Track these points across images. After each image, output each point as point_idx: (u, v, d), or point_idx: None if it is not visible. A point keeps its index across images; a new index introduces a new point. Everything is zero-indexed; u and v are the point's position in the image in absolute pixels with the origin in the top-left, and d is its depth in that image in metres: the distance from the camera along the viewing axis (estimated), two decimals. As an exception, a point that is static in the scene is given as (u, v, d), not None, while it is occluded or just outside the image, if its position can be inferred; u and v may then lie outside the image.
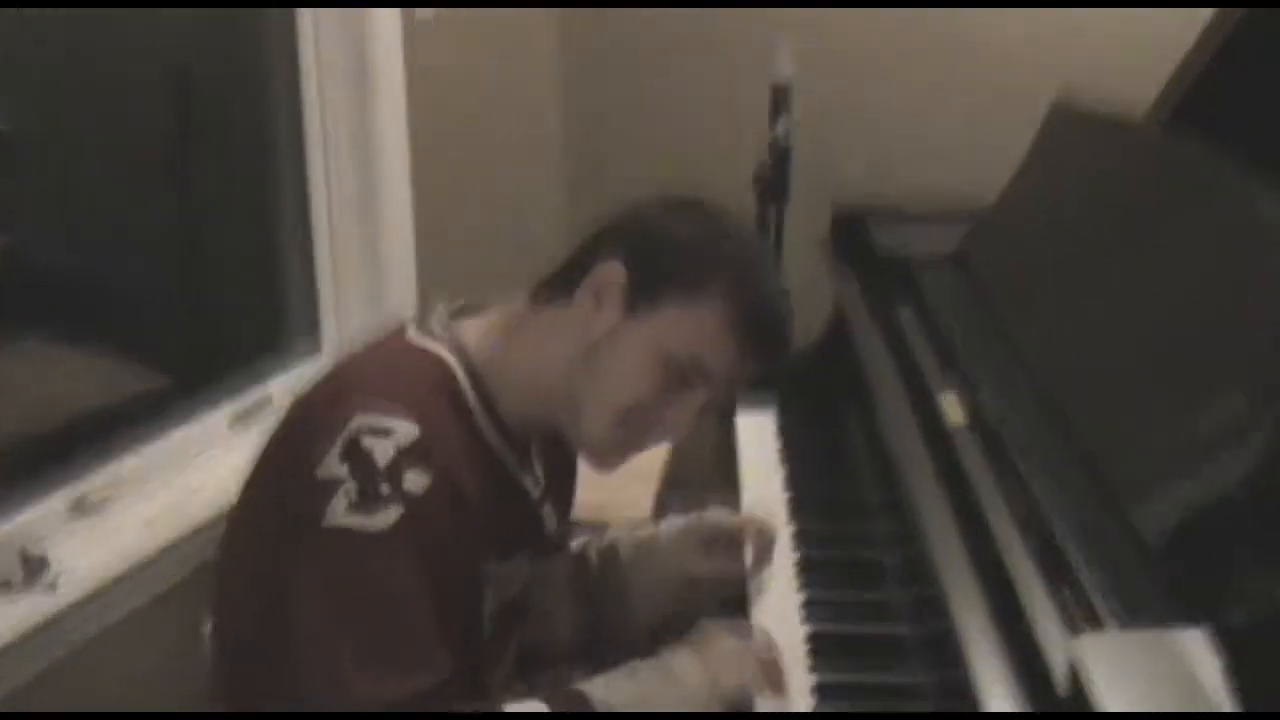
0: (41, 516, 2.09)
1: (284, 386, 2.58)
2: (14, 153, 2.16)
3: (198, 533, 2.15)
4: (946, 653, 1.37)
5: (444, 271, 2.79)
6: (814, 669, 1.61)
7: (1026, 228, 2.06)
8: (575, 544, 1.88)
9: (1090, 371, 1.64)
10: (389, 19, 2.60)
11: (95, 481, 2.19)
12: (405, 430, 1.37)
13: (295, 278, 2.73)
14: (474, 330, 1.56)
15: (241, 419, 2.50)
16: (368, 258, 2.71)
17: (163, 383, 2.46)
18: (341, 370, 1.54)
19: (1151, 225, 1.69)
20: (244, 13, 2.53)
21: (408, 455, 1.36)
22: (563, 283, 1.55)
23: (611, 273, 1.50)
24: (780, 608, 1.74)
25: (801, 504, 2.01)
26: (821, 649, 1.65)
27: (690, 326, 1.48)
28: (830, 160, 3.06)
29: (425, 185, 2.74)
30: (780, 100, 2.76)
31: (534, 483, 1.64)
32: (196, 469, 2.37)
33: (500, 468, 1.56)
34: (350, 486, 1.34)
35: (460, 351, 1.53)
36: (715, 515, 1.85)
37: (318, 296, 2.72)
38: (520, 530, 1.62)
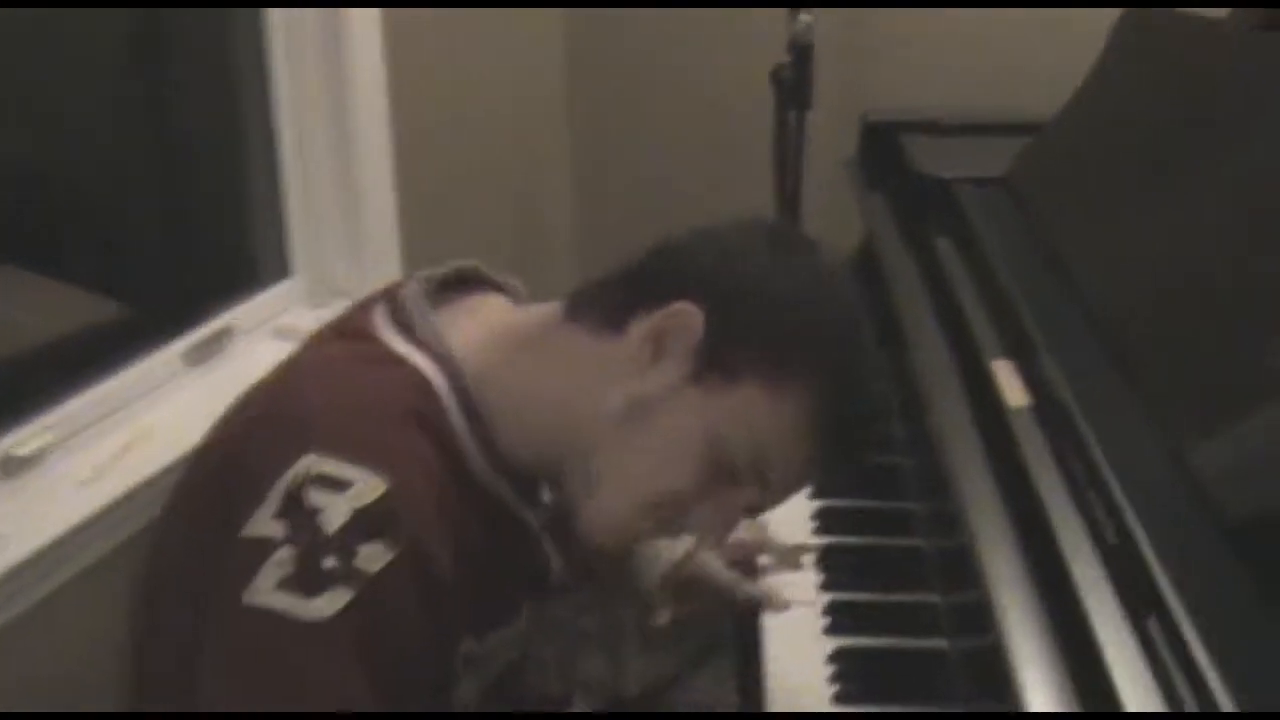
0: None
1: (247, 316, 2.36)
2: None
3: (149, 485, 1.90)
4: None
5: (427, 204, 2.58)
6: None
7: (1091, 148, 1.81)
8: None
9: (1162, 313, 1.43)
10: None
11: (27, 433, 1.94)
12: (367, 484, 1.07)
13: (261, 197, 2.51)
14: (468, 329, 1.24)
15: (197, 353, 2.25)
16: (341, 180, 2.45)
17: (113, 312, 2.28)
18: (286, 386, 1.22)
19: (1245, 140, 1.43)
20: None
21: (367, 520, 1.06)
22: (615, 306, 1.22)
23: (685, 317, 1.17)
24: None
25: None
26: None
27: (764, 413, 1.16)
28: (859, 63, 2.80)
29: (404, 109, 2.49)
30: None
31: (539, 514, 1.34)
32: (145, 411, 2.12)
33: (498, 510, 1.26)
34: (285, 554, 1.05)
35: (446, 361, 1.20)
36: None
37: (285, 218, 2.48)
38: (520, 581, 1.35)
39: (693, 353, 1.17)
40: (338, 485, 1.06)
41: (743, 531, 1.57)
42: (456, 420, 1.18)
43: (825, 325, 1.19)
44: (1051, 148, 1.89)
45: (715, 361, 1.16)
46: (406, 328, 1.21)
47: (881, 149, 2.11)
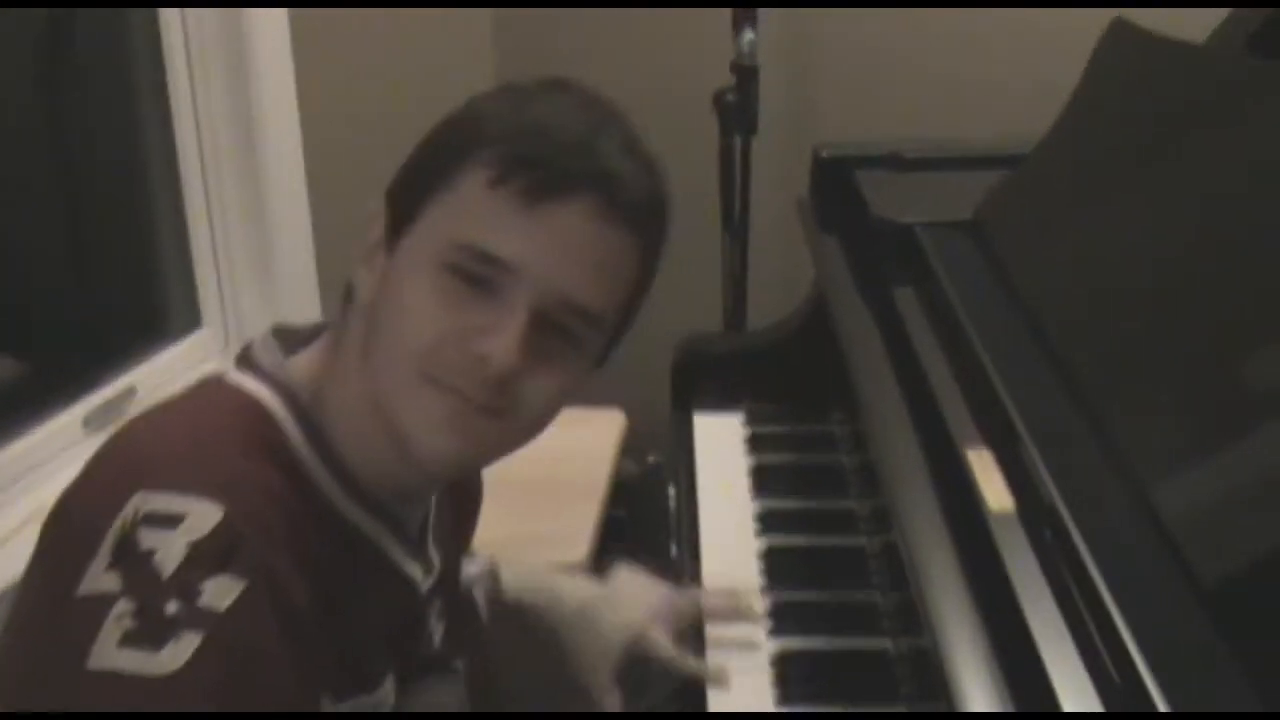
0: None
1: (155, 373, 2.20)
2: None
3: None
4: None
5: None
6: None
7: (1069, 189, 1.64)
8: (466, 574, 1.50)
9: (1147, 372, 1.30)
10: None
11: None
12: (201, 514, 0.98)
13: (167, 240, 2.34)
14: (306, 360, 1.17)
15: (101, 417, 2.07)
16: (252, 217, 2.28)
17: (8, 371, 2.12)
18: (122, 434, 1.12)
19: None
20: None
21: (206, 553, 0.97)
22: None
23: (373, 220, 1.13)
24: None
25: (770, 522, 1.73)
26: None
27: (454, 212, 1.08)
28: (807, 88, 2.63)
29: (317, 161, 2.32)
30: (743, 11, 2.37)
31: (424, 570, 1.23)
32: (43, 482, 1.95)
33: (362, 545, 1.15)
34: (124, 607, 0.95)
35: (283, 388, 1.13)
36: (682, 600, 1.52)
37: (193, 262, 2.32)
38: (389, 642, 1.20)
39: (386, 236, 1.12)
40: (169, 521, 0.98)
41: (689, 603, 1.53)
42: (298, 443, 1.11)
43: (476, 112, 1.13)
44: (1024, 187, 1.72)
45: (403, 222, 1.10)
46: (251, 365, 1.15)
47: (834, 186, 1.93)
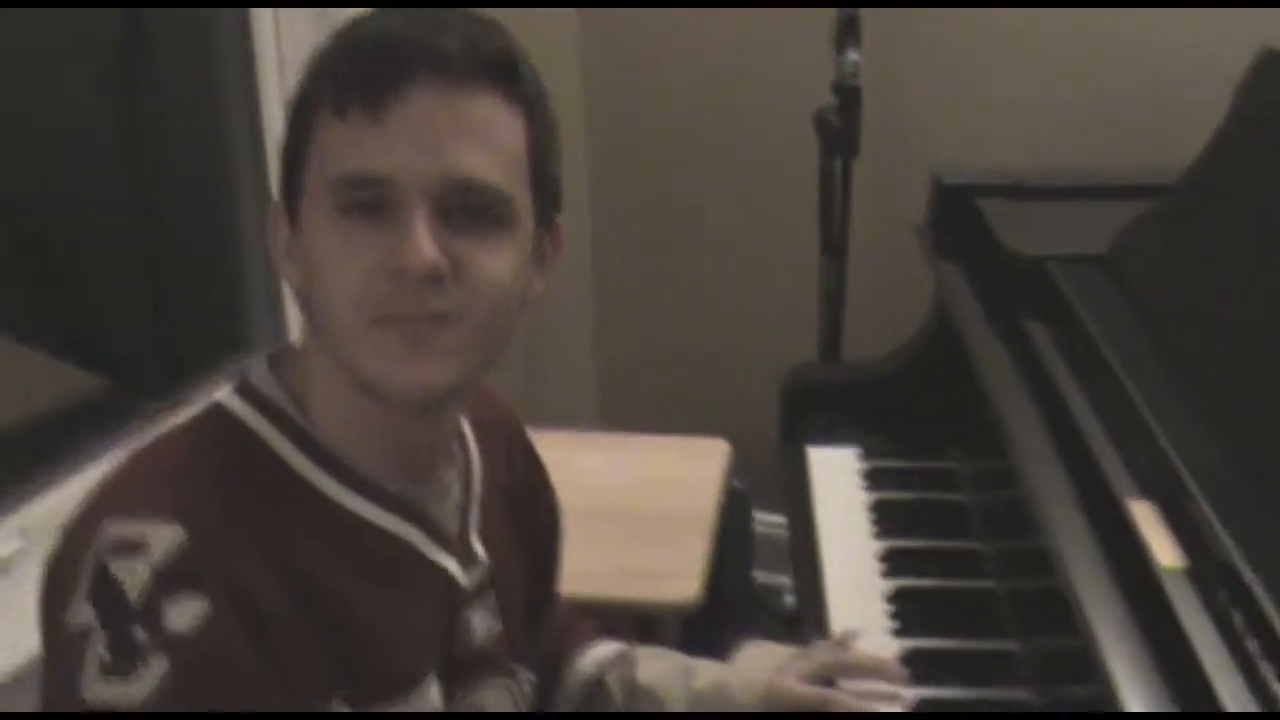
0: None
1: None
2: None
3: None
4: None
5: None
6: None
7: (1218, 226, 1.57)
8: (585, 663, 1.46)
9: None
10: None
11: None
12: (162, 538, 0.99)
13: (253, 266, 2.33)
14: (300, 373, 1.15)
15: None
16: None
17: (91, 386, 2.09)
18: (113, 465, 1.12)
19: None
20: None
21: (169, 576, 0.98)
22: None
23: (275, 217, 1.12)
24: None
25: (896, 563, 1.68)
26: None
27: (321, 157, 1.05)
28: (911, 110, 2.57)
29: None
30: (847, 25, 2.30)
31: (464, 564, 1.20)
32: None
33: (380, 542, 1.13)
34: (100, 637, 0.97)
35: (269, 404, 1.12)
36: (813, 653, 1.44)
37: (278, 285, 2.28)
38: (422, 642, 1.17)
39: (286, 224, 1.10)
40: (134, 549, 0.99)
41: (822, 653, 1.45)
42: (288, 453, 1.10)
43: (321, 54, 1.09)
44: (1166, 223, 1.66)
45: (291, 198, 1.09)
46: (242, 388, 1.13)
47: (955, 214, 1.88)
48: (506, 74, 1.06)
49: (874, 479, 1.84)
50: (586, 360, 3.10)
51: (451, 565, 1.18)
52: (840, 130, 2.30)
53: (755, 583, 2.63)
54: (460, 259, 1.03)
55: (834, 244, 2.34)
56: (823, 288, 2.36)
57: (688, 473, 2.09)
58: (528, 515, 1.34)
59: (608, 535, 1.89)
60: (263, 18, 2.18)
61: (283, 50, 2.19)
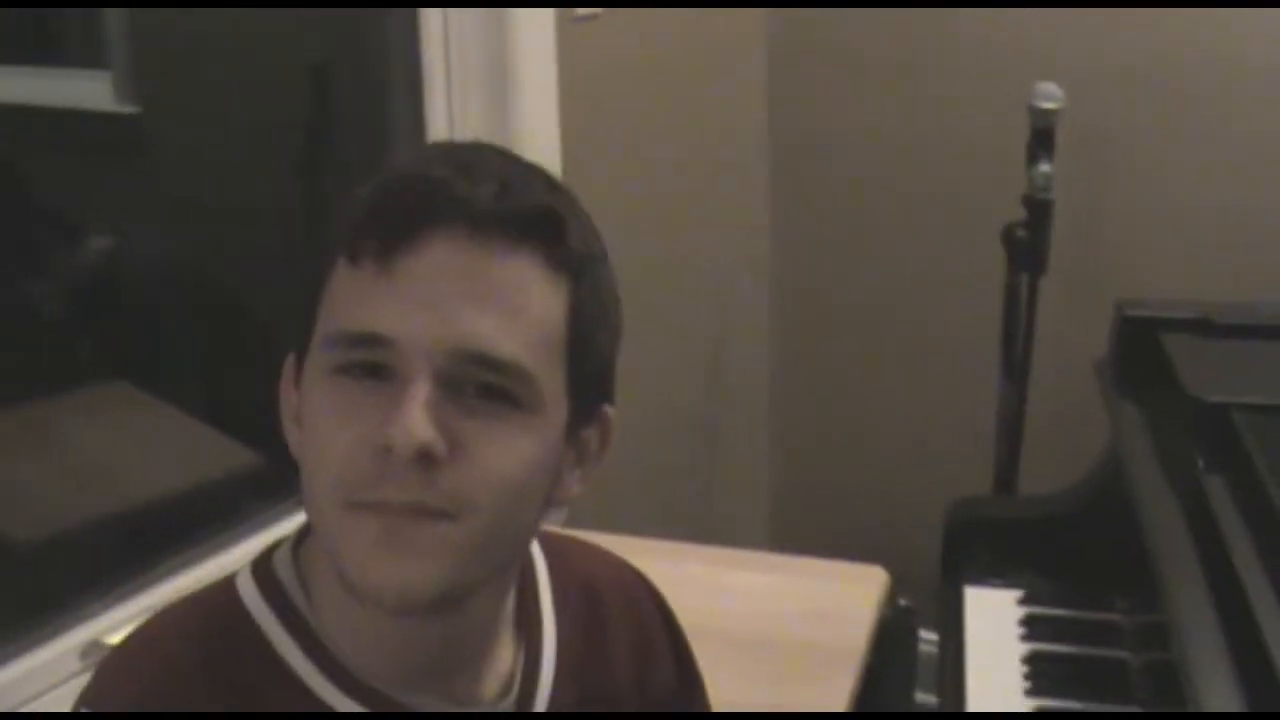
0: (44, 663, 1.63)
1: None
2: (143, 137, 1.98)
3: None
4: None
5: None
6: None
7: None
8: None
9: None
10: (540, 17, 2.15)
11: (121, 614, 1.72)
12: None
13: None
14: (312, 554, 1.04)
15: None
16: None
17: (254, 461, 2.06)
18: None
19: None
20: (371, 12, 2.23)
21: None
22: None
23: (285, 376, 1.00)
24: None
25: None
26: None
27: (326, 311, 0.93)
28: (1104, 229, 2.46)
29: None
30: (1041, 136, 2.21)
31: None
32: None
33: None
34: None
35: (274, 586, 1.00)
36: None
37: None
38: None
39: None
40: None
41: None
42: (280, 642, 0.98)
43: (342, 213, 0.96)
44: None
45: (300, 354, 0.96)
46: (258, 563, 1.03)
47: (1138, 348, 1.77)
48: (547, 232, 0.91)
49: (1032, 627, 1.74)
50: (761, 478, 3.05)
51: None
52: (1028, 245, 2.21)
53: (917, 705, 2.52)
54: (462, 441, 0.88)
55: (1016, 367, 2.24)
56: (1001, 413, 2.26)
57: (843, 602, 1.99)
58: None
59: (753, 666, 1.81)
60: (435, 97, 2.19)
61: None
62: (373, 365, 0.89)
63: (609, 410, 1.01)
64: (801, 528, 2.91)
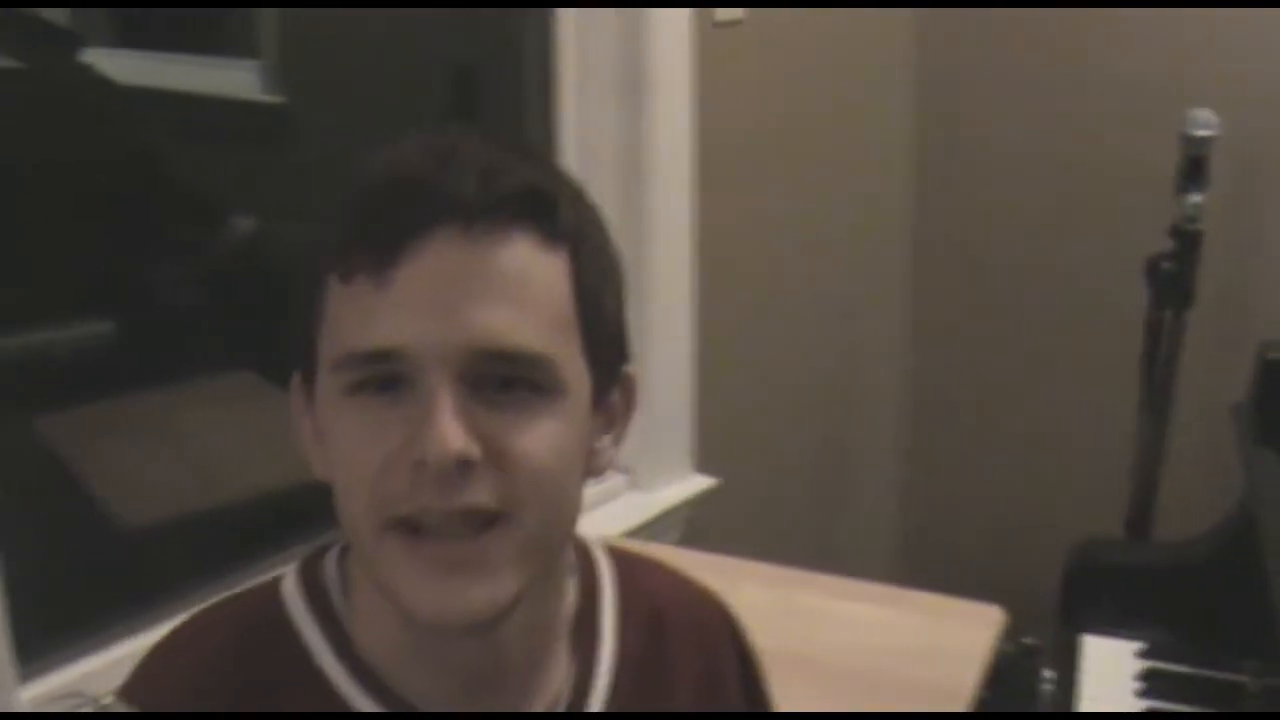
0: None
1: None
2: (287, 127, 2.04)
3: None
4: None
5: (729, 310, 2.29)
6: None
7: None
8: None
9: None
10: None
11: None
12: None
13: None
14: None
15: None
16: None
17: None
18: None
19: None
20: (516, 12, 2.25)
21: None
22: None
23: (294, 400, 0.97)
24: None
25: None
26: None
27: (329, 332, 0.90)
28: (1253, 263, 2.36)
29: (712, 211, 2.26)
30: (1193, 164, 2.14)
31: None
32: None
33: None
34: None
35: (318, 591, 1.00)
36: None
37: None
38: None
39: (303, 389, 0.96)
40: None
41: None
42: (317, 648, 0.97)
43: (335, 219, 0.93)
44: None
45: (308, 380, 0.94)
46: (305, 564, 1.02)
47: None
48: (538, 210, 0.89)
49: (1151, 683, 1.67)
50: (888, 508, 3.02)
51: None
52: (1174, 278, 2.12)
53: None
54: (495, 439, 0.86)
55: (1155, 404, 2.16)
56: (1138, 452, 2.17)
57: (955, 640, 1.93)
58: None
59: (855, 700, 1.76)
60: (567, 98, 2.19)
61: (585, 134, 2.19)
62: (388, 378, 0.87)
63: (629, 369, 0.98)
64: (924, 559, 2.87)
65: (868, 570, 2.49)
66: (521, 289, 0.87)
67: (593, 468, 0.95)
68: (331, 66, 2.07)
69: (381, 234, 0.86)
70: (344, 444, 0.89)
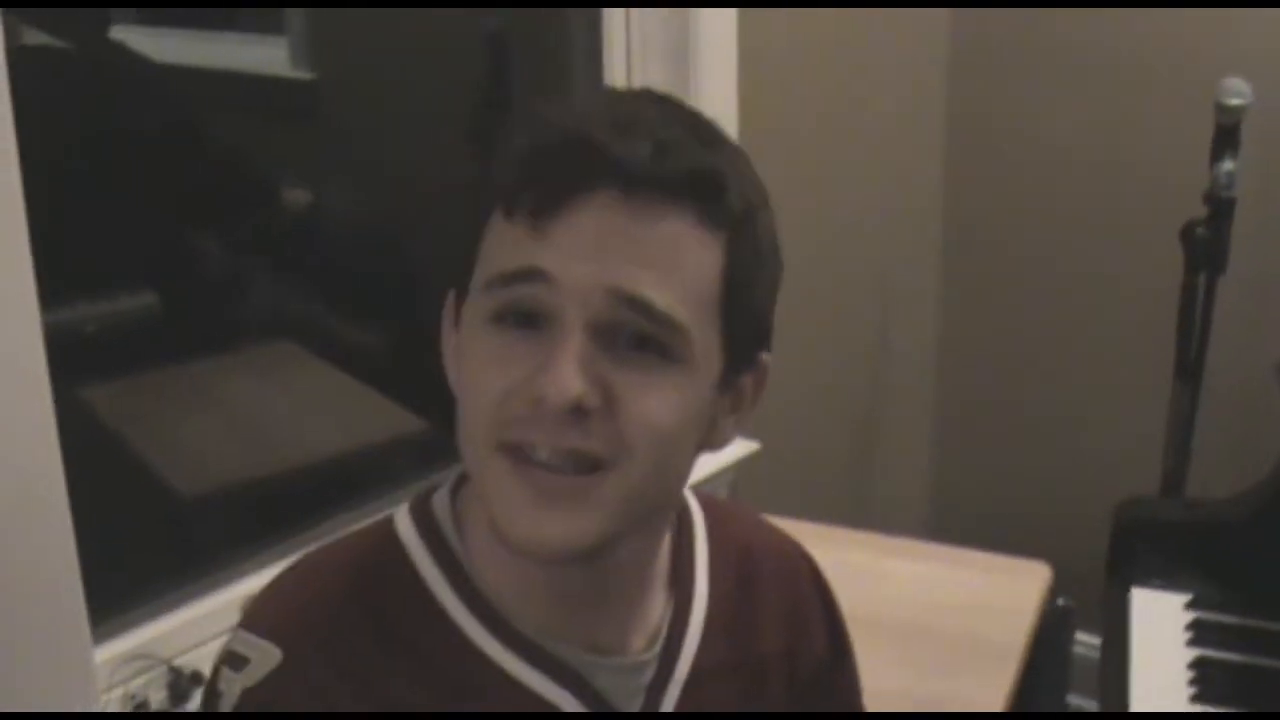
0: (210, 613, 1.69)
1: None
2: (318, 103, 2.05)
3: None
4: None
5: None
6: None
7: None
8: None
9: None
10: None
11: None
12: (262, 657, 0.96)
13: None
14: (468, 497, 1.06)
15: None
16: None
17: (418, 428, 2.10)
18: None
19: None
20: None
21: (253, 699, 0.95)
22: None
23: (446, 313, 1.01)
24: None
25: None
26: None
27: (485, 259, 0.94)
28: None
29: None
30: (1226, 132, 2.14)
31: None
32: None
33: (509, 690, 0.99)
34: None
35: (430, 524, 1.02)
36: None
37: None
38: None
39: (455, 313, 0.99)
40: (239, 662, 0.97)
41: None
42: (435, 582, 1.00)
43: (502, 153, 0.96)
44: None
45: (459, 297, 0.97)
46: (416, 503, 1.05)
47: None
48: (703, 193, 0.91)
49: (1200, 633, 1.69)
50: (921, 469, 3.02)
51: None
52: (1208, 244, 2.15)
53: (1069, 707, 2.47)
54: (615, 392, 0.88)
55: (1189, 367, 2.18)
56: (1172, 416, 2.20)
57: (1005, 596, 1.96)
58: (805, 693, 1.14)
59: (910, 654, 1.78)
60: (615, 67, 2.20)
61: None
62: (529, 313, 0.90)
63: (765, 357, 0.99)
64: (960, 523, 2.88)
65: (905, 533, 2.52)
66: (671, 260, 0.89)
67: (711, 440, 0.97)
68: (361, 41, 2.06)
69: (546, 189, 0.89)
70: (475, 366, 0.92)
